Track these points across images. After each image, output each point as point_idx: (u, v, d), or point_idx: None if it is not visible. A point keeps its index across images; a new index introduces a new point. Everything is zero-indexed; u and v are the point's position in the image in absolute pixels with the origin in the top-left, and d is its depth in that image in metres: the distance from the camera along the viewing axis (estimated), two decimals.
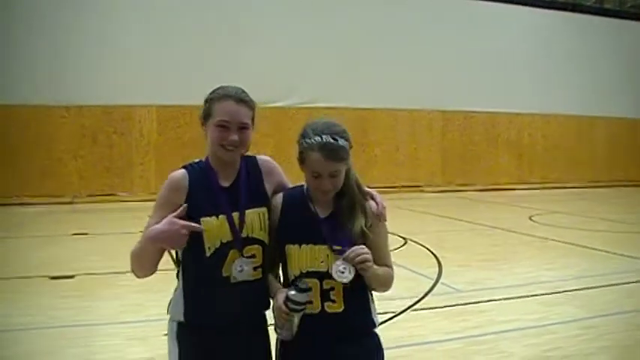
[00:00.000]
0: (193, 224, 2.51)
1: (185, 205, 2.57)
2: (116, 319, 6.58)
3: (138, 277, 2.67)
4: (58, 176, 18.10)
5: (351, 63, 20.31)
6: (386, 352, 2.76)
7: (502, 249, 10.74)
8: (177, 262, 2.72)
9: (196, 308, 2.63)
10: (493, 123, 22.67)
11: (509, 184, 22.43)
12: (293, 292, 2.47)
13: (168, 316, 2.74)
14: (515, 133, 23.13)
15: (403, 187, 21.05)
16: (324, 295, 2.58)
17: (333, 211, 2.65)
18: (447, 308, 6.87)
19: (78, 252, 10.58)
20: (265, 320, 2.75)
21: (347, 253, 2.50)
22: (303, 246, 2.60)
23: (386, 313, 6.54)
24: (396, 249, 10.40)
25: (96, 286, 8.03)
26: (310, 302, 2.54)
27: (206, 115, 2.69)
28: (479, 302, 7.07)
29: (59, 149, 18.15)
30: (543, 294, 7.43)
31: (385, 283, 2.67)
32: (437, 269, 8.82)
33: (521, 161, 23.25)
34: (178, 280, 2.72)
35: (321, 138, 2.55)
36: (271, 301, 2.67)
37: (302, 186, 2.73)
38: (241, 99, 2.67)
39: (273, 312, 2.60)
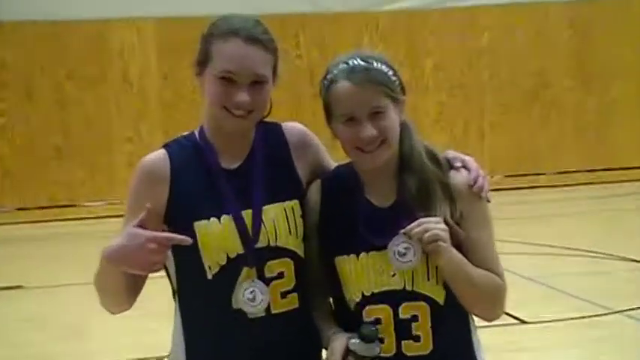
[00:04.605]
0: (171, 235, 1.66)
1: (148, 205, 1.66)
2: None
3: (112, 312, 1.87)
4: None
5: None
6: None
7: None
8: (173, 289, 1.87)
9: (200, 355, 1.80)
10: None
11: None
12: (356, 341, 1.68)
13: None
14: None
15: None
16: (401, 329, 1.70)
17: (398, 198, 1.74)
18: None
19: None
20: None
21: (410, 225, 1.65)
22: (362, 255, 1.72)
23: None
24: None
25: None
26: (379, 355, 1.69)
27: (202, 61, 1.74)
28: None
29: None
30: None
31: (487, 294, 1.70)
32: None
33: None
34: (176, 314, 1.86)
35: (347, 63, 1.72)
36: (323, 352, 1.80)
37: (349, 165, 1.80)
38: (254, 37, 1.70)
39: None
